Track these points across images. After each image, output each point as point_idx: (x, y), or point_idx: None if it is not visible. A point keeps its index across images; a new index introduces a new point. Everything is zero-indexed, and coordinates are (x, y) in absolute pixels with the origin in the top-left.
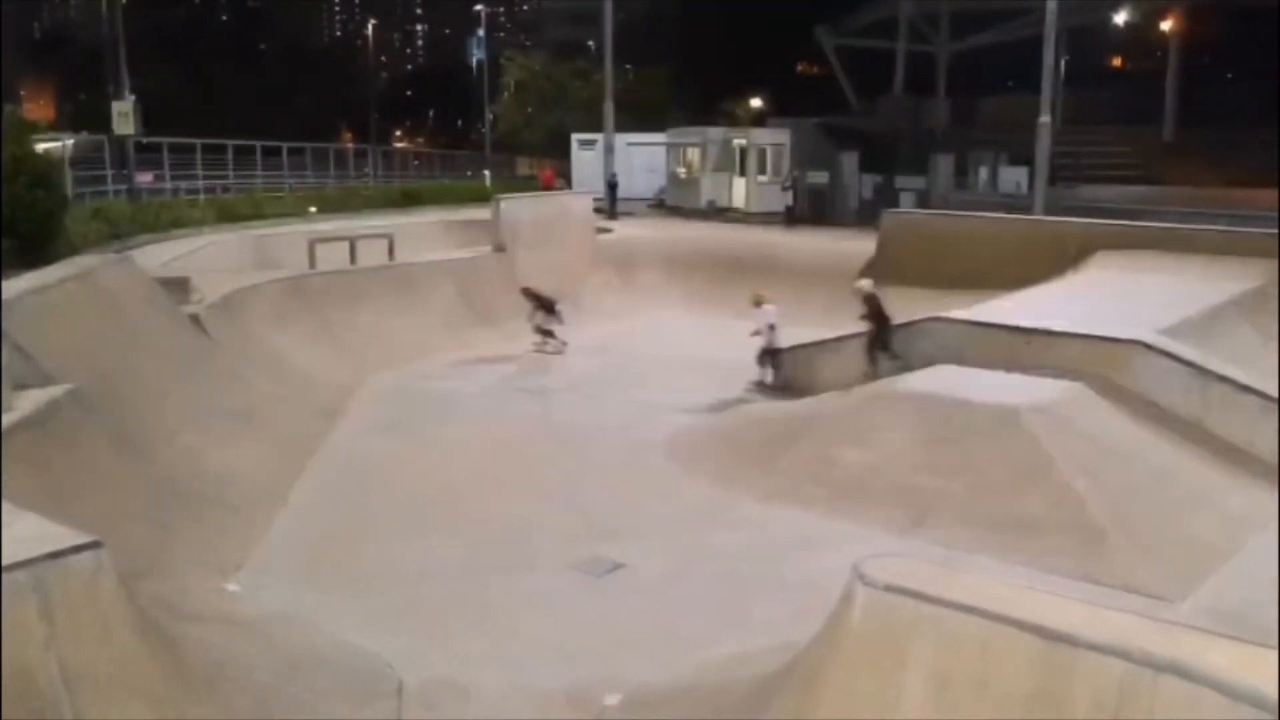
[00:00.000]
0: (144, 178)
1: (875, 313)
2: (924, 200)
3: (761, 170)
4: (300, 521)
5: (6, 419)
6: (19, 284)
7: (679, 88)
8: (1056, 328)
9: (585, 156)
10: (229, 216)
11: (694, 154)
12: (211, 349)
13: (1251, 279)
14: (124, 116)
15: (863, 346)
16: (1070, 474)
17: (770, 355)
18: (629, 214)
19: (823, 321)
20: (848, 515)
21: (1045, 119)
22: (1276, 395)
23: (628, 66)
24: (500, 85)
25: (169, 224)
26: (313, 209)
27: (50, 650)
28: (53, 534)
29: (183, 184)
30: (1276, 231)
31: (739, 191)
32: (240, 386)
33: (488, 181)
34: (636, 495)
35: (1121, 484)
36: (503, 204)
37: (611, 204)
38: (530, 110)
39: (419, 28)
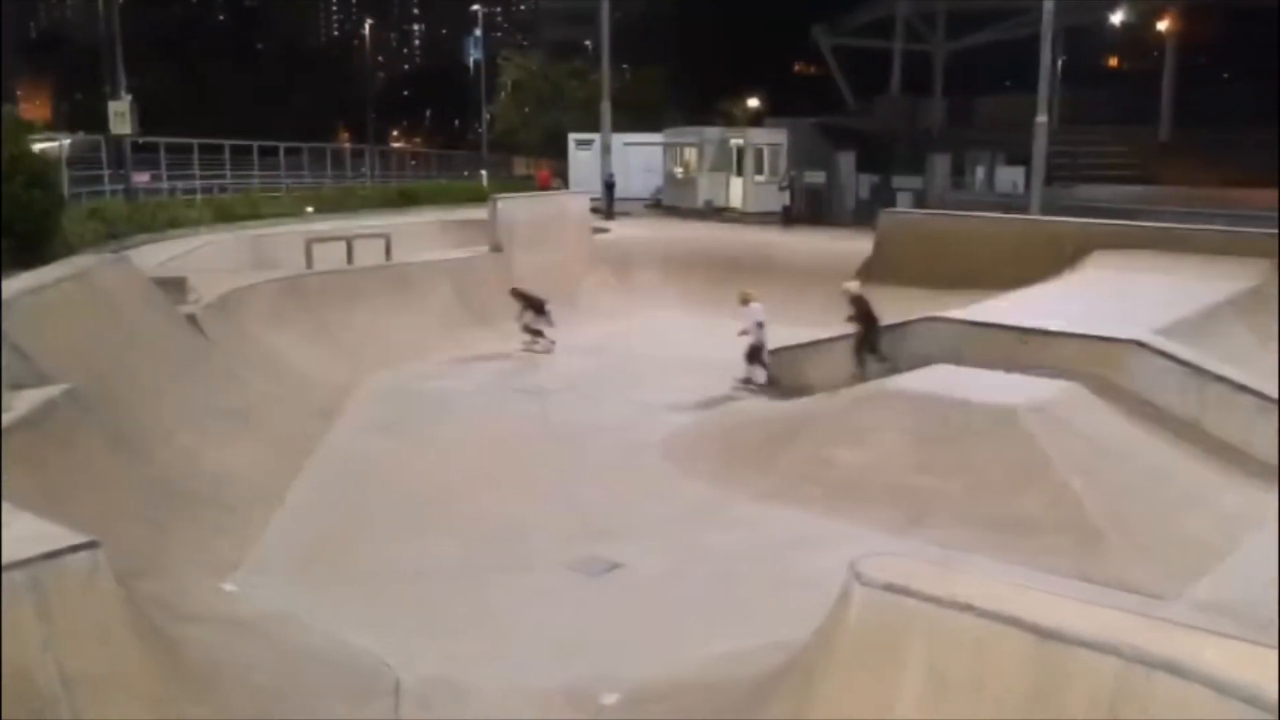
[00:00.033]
0: (140, 177)
1: (863, 314)
2: (921, 200)
3: (758, 170)
4: (297, 521)
5: (3, 419)
6: (15, 284)
7: (676, 87)
8: (1053, 327)
9: (582, 156)
10: (226, 216)
11: (691, 154)
12: (208, 349)
13: (1248, 279)
14: (120, 116)
15: (851, 348)
16: (1067, 473)
17: (758, 353)
18: (626, 214)
19: (819, 321)
20: (844, 515)
21: (1042, 119)
22: (1272, 394)
23: (625, 66)
24: (497, 85)
25: (165, 224)
26: (309, 209)
27: (48, 651)
28: (49, 534)
29: (179, 184)
30: (1273, 231)
31: (736, 191)
32: (237, 386)
33: (485, 181)
34: (633, 495)
35: (1118, 483)
36: (500, 204)
37: (608, 204)
38: (527, 110)
39: (416, 27)
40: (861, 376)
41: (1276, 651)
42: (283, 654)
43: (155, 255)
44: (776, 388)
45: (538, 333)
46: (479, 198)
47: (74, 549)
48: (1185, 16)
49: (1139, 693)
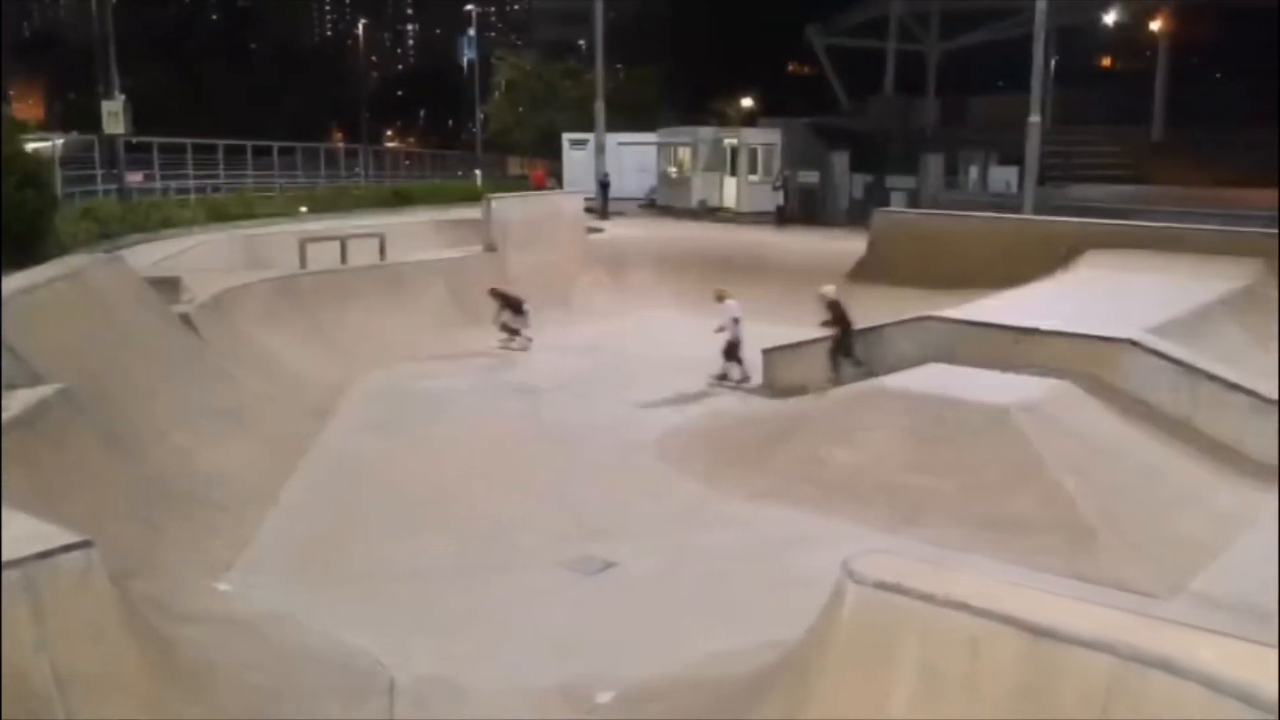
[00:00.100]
0: (134, 177)
1: (838, 318)
2: (914, 200)
3: (752, 170)
4: (291, 521)
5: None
6: (9, 284)
7: (670, 87)
8: (1046, 327)
9: (576, 156)
10: (219, 216)
11: (685, 154)
12: (202, 348)
13: (1240, 278)
14: (114, 116)
15: (826, 351)
16: (1060, 472)
17: (734, 350)
18: (620, 214)
19: (812, 321)
20: (838, 514)
21: (1035, 118)
22: (1265, 393)
23: (618, 66)
24: (491, 85)
25: (159, 224)
26: (303, 209)
27: (42, 651)
28: (43, 533)
29: (173, 183)
30: (1266, 231)
31: (730, 191)
32: (230, 386)
33: (479, 181)
34: (627, 494)
35: (1111, 482)
36: (494, 204)
37: (603, 204)
38: (521, 110)
39: (410, 27)
40: (836, 380)
41: (1276, 651)
42: (277, 654)
43: (149, 255)
44: (750, 384)
45: (515, 331)
46: (473, 197)
47: (68, 548)
48: (1178, 16)
49: (1132, 691)
